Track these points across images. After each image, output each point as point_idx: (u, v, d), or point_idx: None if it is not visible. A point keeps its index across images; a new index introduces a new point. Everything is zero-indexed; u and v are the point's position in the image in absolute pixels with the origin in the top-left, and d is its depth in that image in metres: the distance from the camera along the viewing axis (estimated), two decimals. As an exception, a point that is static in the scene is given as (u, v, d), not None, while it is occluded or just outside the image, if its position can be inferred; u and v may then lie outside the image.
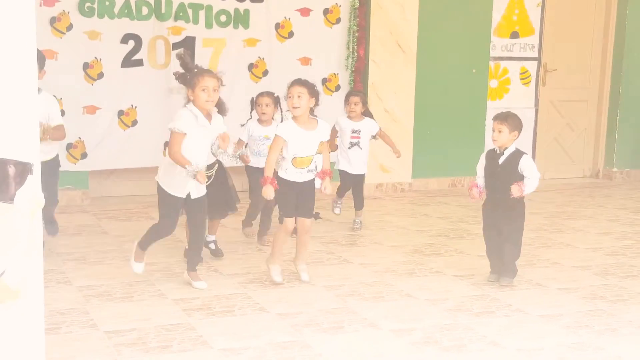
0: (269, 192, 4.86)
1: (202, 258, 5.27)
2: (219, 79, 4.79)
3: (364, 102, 6.55)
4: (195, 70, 4.78)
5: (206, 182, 4.75)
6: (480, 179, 5.16)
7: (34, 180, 2.17)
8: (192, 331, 4.26)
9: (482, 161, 5.18)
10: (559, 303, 4.91)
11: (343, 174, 6.59)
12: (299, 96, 4.90)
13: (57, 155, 5.68)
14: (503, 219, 5.13)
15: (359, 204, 6.66)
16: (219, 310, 4.60)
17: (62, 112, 5.88)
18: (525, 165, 5.01)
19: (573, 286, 5.26)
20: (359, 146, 6.48)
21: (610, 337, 4.37)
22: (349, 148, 6.47)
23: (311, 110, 4.98)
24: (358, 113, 6.46)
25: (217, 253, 5.67)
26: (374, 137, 6.61)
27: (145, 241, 4.96)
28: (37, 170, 3.12)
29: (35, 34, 3.07)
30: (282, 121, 5.60)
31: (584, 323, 4.56)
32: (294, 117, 4.97)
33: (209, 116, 4.78)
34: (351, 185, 6.60)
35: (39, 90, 5.37)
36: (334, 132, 6.44)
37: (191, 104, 4.73)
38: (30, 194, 2.17)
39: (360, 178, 6.63)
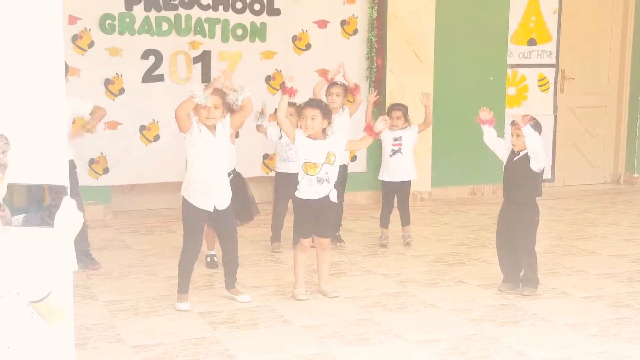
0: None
1: (238, 263, 5.14)
2: (221, 95, 4.74)
3: (406, 116, 6.42)
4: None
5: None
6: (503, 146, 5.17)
7: (70, 200, 2.18)
8: (217, 345, 4.26)
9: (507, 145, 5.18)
10: (584, 311, 4.87)
11: (386, 186, 6.45)
12: (312, 118, 4.91)
13: (72, 160, 5.62)
14: (516, 224, 5.10)
15: (405, 219, 6.45)
16: (243, 324, 4.60)
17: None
18: (529, 140, 4.89)
19: (598, 294, 5.21)
20: (400, 153, 6.37)
21: (638, 345, 4.33)
22: (391, 156, 6.36)
23: (324, 130, 4.98)
24: (400, 127, 6.36)
25: (212, 265, 5.67)
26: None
27: (181, 282, 4.85)
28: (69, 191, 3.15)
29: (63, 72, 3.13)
30: None
31: (611, 332, 4.52)
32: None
33: (213, 129, 4.76)
34: (395, 195, 6.43)
35: None
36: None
37: (196, 119, 4.75)
38: (69, 214, 2.18)
39: (405, 186, 6.44)
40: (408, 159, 6.41)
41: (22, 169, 2.90)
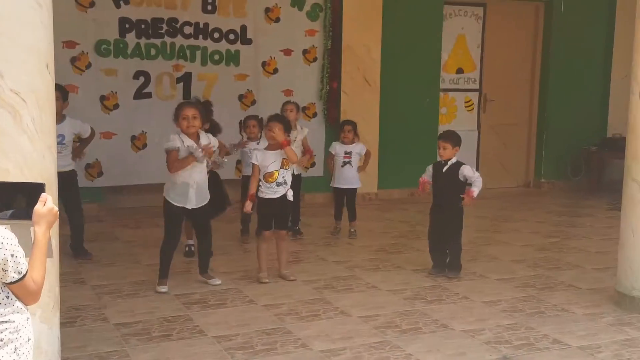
0: (247, 206, 4.89)
1: (212, 252, 5.05)
2: (197, 107, 4.67)
3: (355, 131, 6.34)
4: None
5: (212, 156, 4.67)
6: (427, 175, 5.17)
7: (48, 197, 2.05)
8: (190, 322, 4.13)
9: (429, 170, 5.21)
10: (498, 291, 4.85)
11: (337, 192, 6.36)
12: (279, 130, 4.82)
13: (74, 170, 5.48)
14: (445, 221, 5.07)
15: (352, 216, 6.37)
16: (213, 303, 4.48)
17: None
18: (466, 171, 5.00)
19: (509, 277, 5.20)
20: (350, 164, 6.27)
21: (539, 318, 4.33)
22: (342, 166, 6.27)
23: None
24: (350, 140, 6.29)
25: (189, 254, 5.50)
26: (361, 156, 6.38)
27: (162, 269, 4.71)
28: (54, 187, 3.01)
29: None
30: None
31: (518, 307, 4.51)
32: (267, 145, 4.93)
33: (195, 139, 4.64)
34: (345, 198, 6.33)
35: (64, 117, 5.27)
36: (307, 148, 6.26)
37: (180, 131, 4.62)
38: (46, 209, 2.05)
39: (353, 192, 6.36)
40: (355, 170, 6.32)
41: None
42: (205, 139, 4.70)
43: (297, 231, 6.30)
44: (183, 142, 4.60)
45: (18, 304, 2.03)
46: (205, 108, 5.07)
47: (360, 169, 6.39)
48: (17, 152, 2.78)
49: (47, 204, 2.05)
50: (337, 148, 6.33)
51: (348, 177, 6.29)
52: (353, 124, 6.40)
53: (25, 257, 2.00)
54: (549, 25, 8.95)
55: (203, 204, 4.76)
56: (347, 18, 7.79)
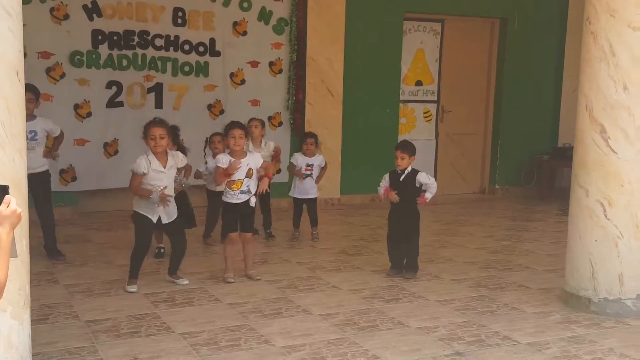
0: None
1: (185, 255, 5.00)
2: (164, 127, 4.64)
3: (317, 143, 6.37)
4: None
5: (169, 199, 4.63)
6: (385, 183, 5.23)
7: (11, 198, 2.04)
8: (157, 319, 4.13)
9: (386, 178, 5.27)
10: (451, 291, 4.93)
11: (297, 201, 6.37)
12: (240, 137, 4.83)
13: (48, 170, 5.43)
14: (403, 226, 5.16)
15: (314, 221, 6.40)
16: (180, 302, 4.48)
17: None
18: (422, 178, 5.09)
19: (463, 277, 5.29)
20: (311, 177, 6.30)
21: (490, 316, 4.40)
22: (304, 179, 6.29)
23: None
24: (312, 151, 6.31)
25: (159, 256, 5.50)
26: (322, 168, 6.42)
27: (132, 270, 4.70)
28: (23, 189, 3.01)
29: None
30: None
31: (471, 306, 4.59)
32: (230, 151, 4.90)
33: (164, 157, 4.64)
34: (305, 207, 6.36)
35: (35, 116, 5.24)
36: (277, 155, 6.33)
37: (149, 150, 4.62)
38: (9, 211, 2.04)
39: (314, 201, 6.39)
40: (314, 181, 6.35)
41: None
42: (172, 158, 4.68)
43: (269, 234, 6.35)
44: (150, 164, 4.58)
45: None
46: (172, 133, 5.06)
47: (317, 180, 6.40)
48: (-12, 155, 2.78)
49: (11, 205, 2.03)
50: (299, 160, 6.32)
51: (307, 188, 6.33)
52: (315, 137, 6.42)
53: None
54: (503, 40, 9.14)
55: (174, 218, 4.75)
56: (311, 32, 7.88)
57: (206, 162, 5.99)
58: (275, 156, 6.29)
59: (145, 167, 4.56)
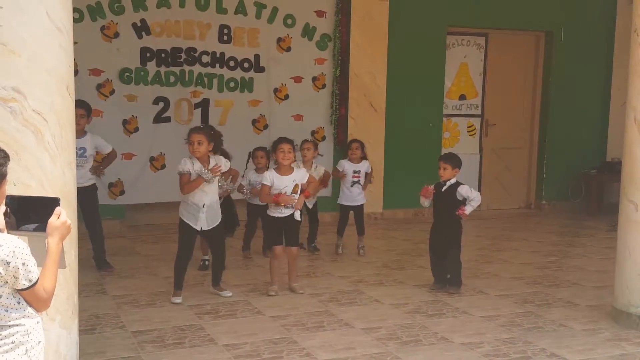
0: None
1: (225, 266, 5.09)
2: (203, 133, 4.71)
3: (363, 149, 6.35)
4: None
5: (219, 174, 4.70)
6: (431, 189, 5.16)
7: (62, 210, 2.10)
8: (201, 330, 4.17)
9: (432, 187, 5.19)
10: (496, 306, 4.84)
11: (344, 208, 6.33)
12: (289, 151, 4.88)
13: (95, 184, 5.54)
14: (443, 237, 5.09)
15: (361, 230, 6.32)
16: (224, 314, 4.51)
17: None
18: (464, 191, 5.02)
19: (508, 293, 5.18)
20: (359, 184, 6.27)
21: (537, 333, 4.30)
22: (351, 186, 6.25)
23: (290, 164, 4.94)
24: (358, 156, 6.28)
25: (203, 268, 5.55)
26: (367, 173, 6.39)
27: (176, 281, 4.76)
28: (73, 201, 3.08)
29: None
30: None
31: (516, 322, 4.49)
32: (278, 167, 4.93)
33: (206, 162, 4.71)
34: (351, 215, 6.30)
35: (85, 132, 5.37)
36: (325, 181, 6.27)
37: (191, 156, 4.71)
38: (60, 222, 2.10)
39: (360, 208, 6.33)
40: (361, 187, 6.33)
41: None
42: (213, 161, 4.76)
43: (313, 248, 6.35)
44: (193, 165, 4.68)
45: (29, 309, 2.07)
46: (215, 138, 5.13)
47: (364, 187, 6.37)
48: (39, 168, 2.85)
49: (61, 217, 2.09)
50: (346, 166, 6.30)
51: (354, 195, 6.30)
52: (361, 143, 6.41)
53: (39, 266, 2.04)
54: (549, 53, 8.98)
55: (215, 225, 4.80)
56: (354, 47, 7.89)
57: (243, 176, 6.02)
58: (324, 181, 6.25)
59: (189, 166, 4.66)
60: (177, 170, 4.73)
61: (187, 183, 4.66)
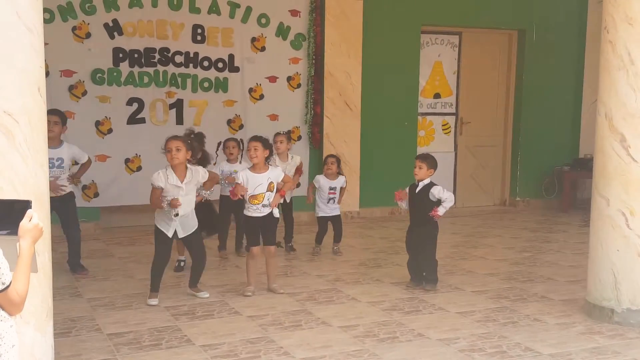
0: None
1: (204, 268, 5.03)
2: (181, 140, 4.66)
3: (339, 164, 6.32)
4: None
5: (179, 204, 4.61)
6: (406, 191, 5.23)
7: (33, 213, 2.07)
8: (178, 332, 4.15)
9: (406, 190, 5.27)
10: (472, 302, 4.90)
11: (322, 219, 6.29)
12: (255, 149, 4.86)
13: (72, 192, 5.53)
14: (418, 237, 5.15)
15: (338, 237, 6.33)
16: (201, 314, 4.50)
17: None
18: (436, 191, 5.06)
19: (484, 289, 5.25)
20: (334, 200, 6.26)
21: (512, 328, 4.36)
22: (327, 202, 6.23)
23: (266, 159, 4.94)
24: (334, 171, 6.25)
25: (179, 269, 5.54)
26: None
27: (152, 283, 4.74)
28: (45, 203, 3.05)
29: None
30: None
31: (491, 317, 4.55)
32: (252, 165, 4.93)
33: (183, 172, 4.65)
34: (329, 225, 6.29)
35: (62, 142, 5.34)
36: (299, 169, 6.31)
37: (169, 165, 4.66)
38: (31, 225, 2.08)
39: (338, 217, 6.33)
40: (336, 202, 6.31)
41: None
42: (190, 174, 4.69)
43: (290, 248, 6.36)
44: (167, 178, 4.62)
45: (2, 313, 2.04)
46: (198, 139, 5.17)
47: (339, 201, 6.34)
48: (10, 169, 2.83)
49: (33, 219, 2.06)
50: (322, 182, 6.26)
51: (332, 207, 6.29)
52: (337, 158, 6.40)
53: (11, 270, 2.01)
54: (522, 52, 9.10)
55: (192, 231, 4.78)
56: (328, 46, 7.93)
57: (215, 164, 6.01)
58: (298, 169, 6.29)
59: (162, 182, 4.61)
60: (150, 181, 4.69)
61: (157, 198, 4.61)
